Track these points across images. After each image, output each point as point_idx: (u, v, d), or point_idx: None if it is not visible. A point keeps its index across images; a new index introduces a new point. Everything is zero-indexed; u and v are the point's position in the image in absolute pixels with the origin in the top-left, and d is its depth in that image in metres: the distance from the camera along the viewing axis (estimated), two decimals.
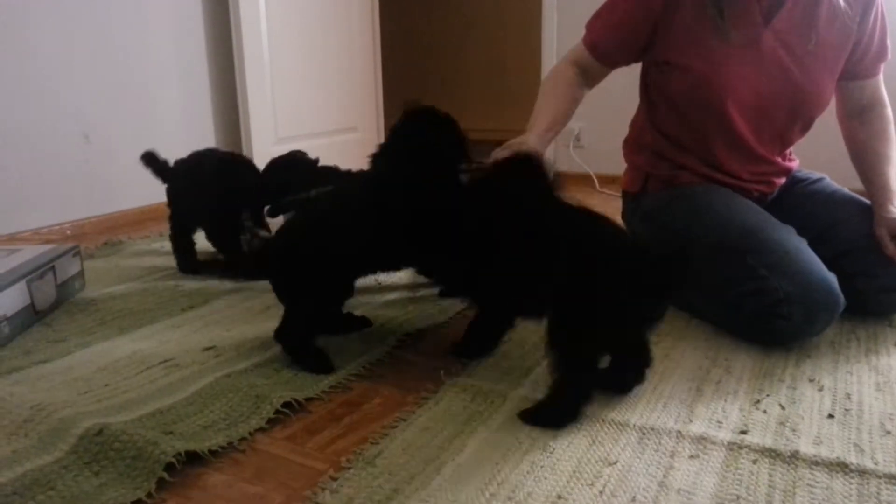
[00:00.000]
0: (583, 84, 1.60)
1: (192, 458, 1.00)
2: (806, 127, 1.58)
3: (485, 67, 5.02)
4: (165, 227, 1.96)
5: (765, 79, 1.47)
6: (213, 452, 1.03)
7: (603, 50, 1.56)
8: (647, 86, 1.63)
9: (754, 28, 1.45)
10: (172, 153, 2.73)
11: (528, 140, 1.42)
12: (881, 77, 1.59)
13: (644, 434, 1.06)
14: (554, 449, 1.02)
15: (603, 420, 1.10)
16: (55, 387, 1.23)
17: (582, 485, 0.93)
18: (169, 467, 0.97)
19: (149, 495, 0.93)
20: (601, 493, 0.92)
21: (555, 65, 1.64)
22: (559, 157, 3.50)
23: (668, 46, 1.50)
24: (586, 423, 1.09)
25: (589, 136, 3.41)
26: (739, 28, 1.45)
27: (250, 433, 1.08)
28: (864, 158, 1.58)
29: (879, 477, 0.94)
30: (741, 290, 1.38)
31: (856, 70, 1.55)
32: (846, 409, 1.13)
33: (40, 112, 2.32)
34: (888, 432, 1.06)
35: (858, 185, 1.59)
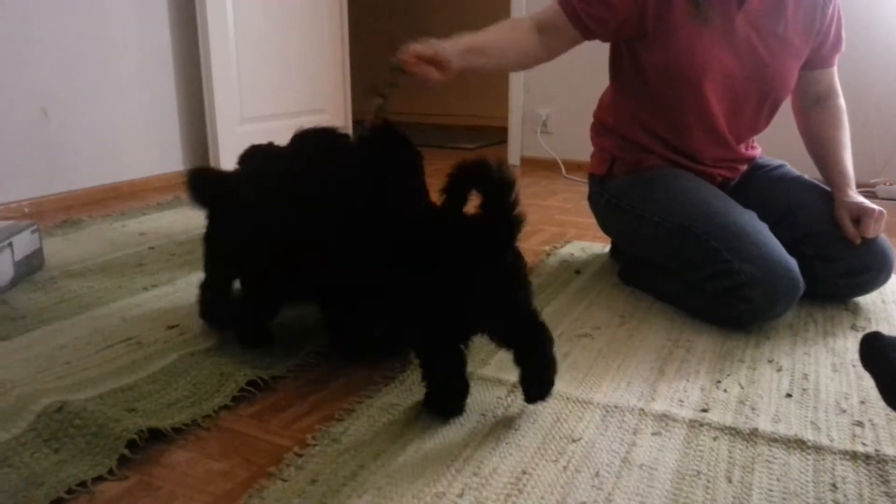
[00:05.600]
0: (535, 38, 1.45)
1: (156, 436, 0.99)
2: (772, 113, 1.60)
3: None
4: (126, 207, 1.93)
5: (738, 62, 1.49)
6: (176, 430, 1.02)
7: (580, 10, 1.44)
8: (617, 66, 1.62)
9: (729, 10, 1.47)
10: (135, 131, 2.70)
11: (446, 45, 1.28)
12: (836, 68, 1.62)
13: (608, 412, 1.08)
14: (519, 426, 1.03)
15: (567, 398, 1.11)
16: (14, 364, 1.21)
17: (546, 461, 0.95)
18: (131, 444, 0.96)
19: (110, 472, 0.92)
20: (565, 468, 0.93)
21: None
22: (526, 143, 3.51)
23: (646, 21, 1.48)
24: (551, 402, 1.10)
25: (556, 122, 3.42)
26: (717, 9, 1.46)
27: (215, 411, 1.07)
28: (821, 146, 1.61)
29: (834, 453, 0.97)
30: (704, 273, 1.41)
31: (815, 59, 1.58)
32: (803, 389, 1.16)
33: None
34: (843, 411, 1.09)
35: (818, 174, 1.63)
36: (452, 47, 1.29)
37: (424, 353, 1.06)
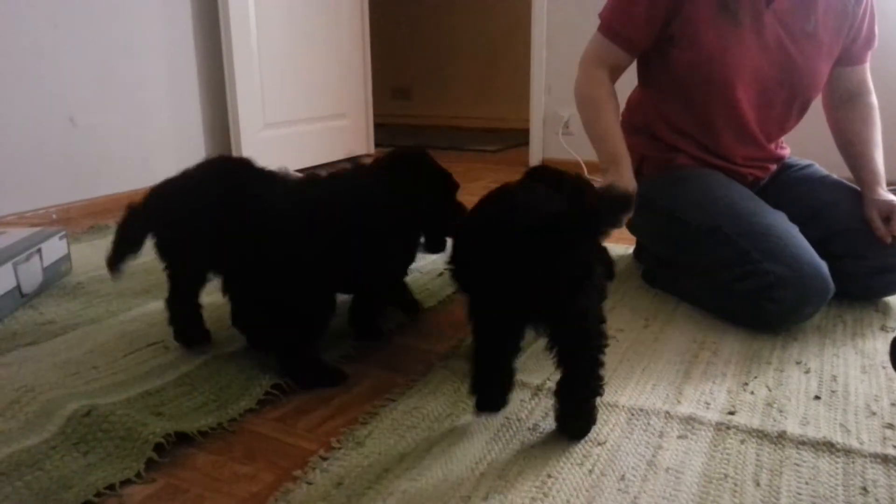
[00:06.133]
0: (614, 87, 1.55)
1: (182, 439, 1.00)
2: (802, 111, 1.59)
3: (474, 55, 5.01)
4: None
5: (767, 60, 1.48)
6: (202, 433, 1.02)
7: (628, 36, 1.51)
8: (646, 67, 1.62)
9: (757, 8, 1.45)
10: (160, 137, 2.73)
11: (622, 182, 1.47)
12: (868, 65, 1.60)
13: (633, 415, 1.07)
14: (543, 429, 1.02)
15: None
16: (43, 369, 1.22)
17: (571, 464, 0.94)
18: (158, 448, 0.97)
19: (138, 475, 0.93)
20: (591, 472, 0.92)
21: (584, 74, 1.56)
22: (548, 144, 3.50)
23: (672, 23, 1.48)
24: None
25: (578, 123, 3.38)
26: (744, 8, 1.45)
27: (240, 414, 1.08)
28: (852, 143, 1.59)
29: (865, 456, 0.96)
30: (733, 274, 1.39)
31: (846, 56, 1.56)
32: (832, 391, 1.15)
33: (25, 94, 2.30)
34: (873, 413, 1.07)
35: (846, 173, 1.61)
36: (624, 177, 1.49)
37: (472, 335, 1.02)
